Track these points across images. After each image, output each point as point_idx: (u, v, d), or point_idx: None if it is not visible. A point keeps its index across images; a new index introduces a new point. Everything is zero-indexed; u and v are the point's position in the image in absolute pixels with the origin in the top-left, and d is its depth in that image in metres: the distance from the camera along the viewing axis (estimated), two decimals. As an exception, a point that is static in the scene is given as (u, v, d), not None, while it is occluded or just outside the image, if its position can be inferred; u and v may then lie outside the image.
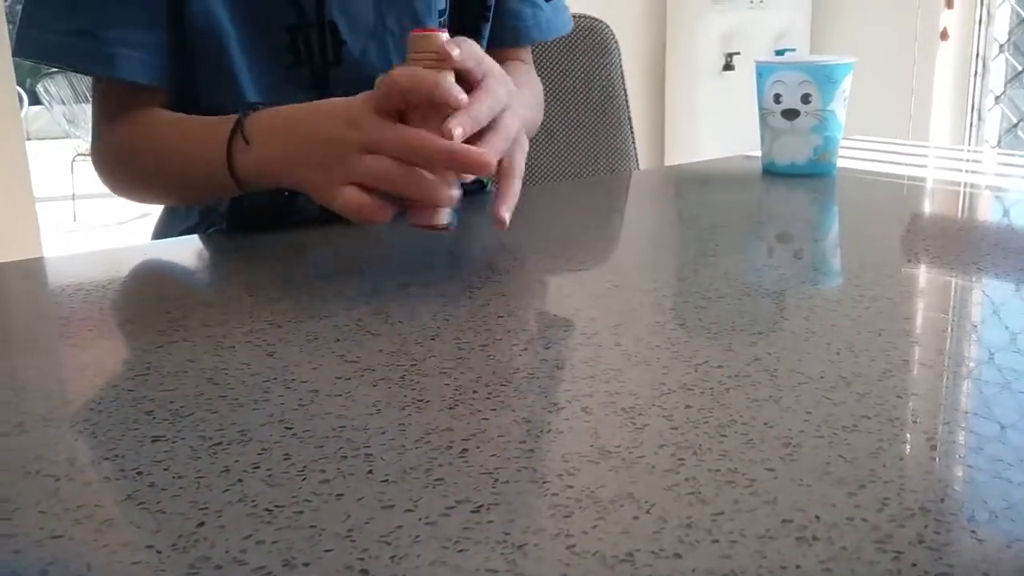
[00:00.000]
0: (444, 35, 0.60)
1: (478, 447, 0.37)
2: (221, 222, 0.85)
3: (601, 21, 1.21)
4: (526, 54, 0.98)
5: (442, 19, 0.87)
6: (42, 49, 0.77)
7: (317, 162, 0.61)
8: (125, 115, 0.78)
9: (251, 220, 0.82)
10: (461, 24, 0.89)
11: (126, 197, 0.84)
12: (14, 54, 0.79)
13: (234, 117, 0.68)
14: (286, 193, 0.80)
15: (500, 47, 0.92)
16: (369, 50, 0.82)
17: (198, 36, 0.77)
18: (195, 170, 0.73)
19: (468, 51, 0.60)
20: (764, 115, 0.96)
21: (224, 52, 0.77)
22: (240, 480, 0.34)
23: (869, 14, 3.06)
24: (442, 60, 0.59)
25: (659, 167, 1.74)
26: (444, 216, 0.60)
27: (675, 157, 3.18)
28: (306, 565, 0.29)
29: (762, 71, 0.96)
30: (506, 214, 0.61)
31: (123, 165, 0.81)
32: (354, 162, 0.59)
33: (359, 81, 0.80)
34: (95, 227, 4.93)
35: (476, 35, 0.90)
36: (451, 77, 0.59)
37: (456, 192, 0.59)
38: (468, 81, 0.60)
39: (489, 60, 0.63)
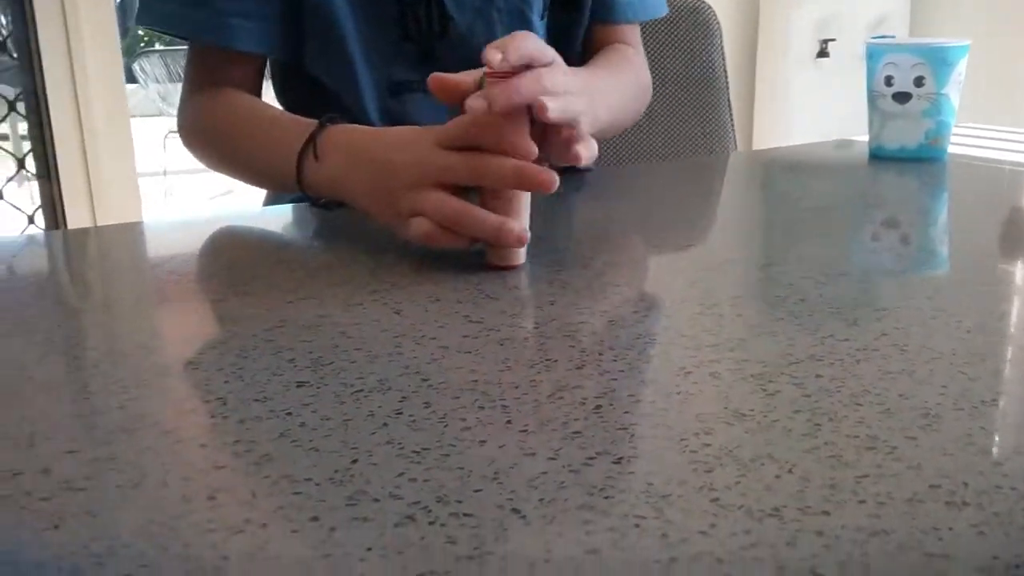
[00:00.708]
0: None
1: (611, 404, 0.37)
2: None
3: (703, 1, 1.20)
4: (632, 36, 0.97)
5: None
6: (162, 18, 0.81)
7: (384, 191, 0.60)
8: (215, 89, 0.80)
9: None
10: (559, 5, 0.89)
11: (204, 164, 0.87)
12: (136, 22, 0.82)
13: (311, 126, 0.68)
14: None
15: (600, 22, 0.92)
16: (476, 26, 0.83)
17: (311, 5, 0.79)
18: (266, 169, 0.75)
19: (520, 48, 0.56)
20: (873, 98, 0.94)
21: (335, 23, 0.79)
22: (385, 424, 0.36)
23: (972, 1, 2.95)
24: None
25: (759, 149, 1.71)
26: (518, 256, 0.58)
27: (765, 143, 3.13)
28: (459, 502, 0.30)
29: (873, 52, 0.94)
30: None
31: (202, 140, 0.83)
32: (420, 195, 0.57)
33: (465, 58, 0.81)
34: (186, 202, 5.08)
35: (577, 10, 0.90)
36: (523, 120, 0.56)
37: (522, 231, 0.57)
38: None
39: (553, 53, 0.59)
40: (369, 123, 0.82)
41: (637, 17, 0.95)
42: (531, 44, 0.56)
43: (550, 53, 0.59)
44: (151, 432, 0.36)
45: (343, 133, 0.67)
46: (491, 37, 0.83)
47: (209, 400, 0.39)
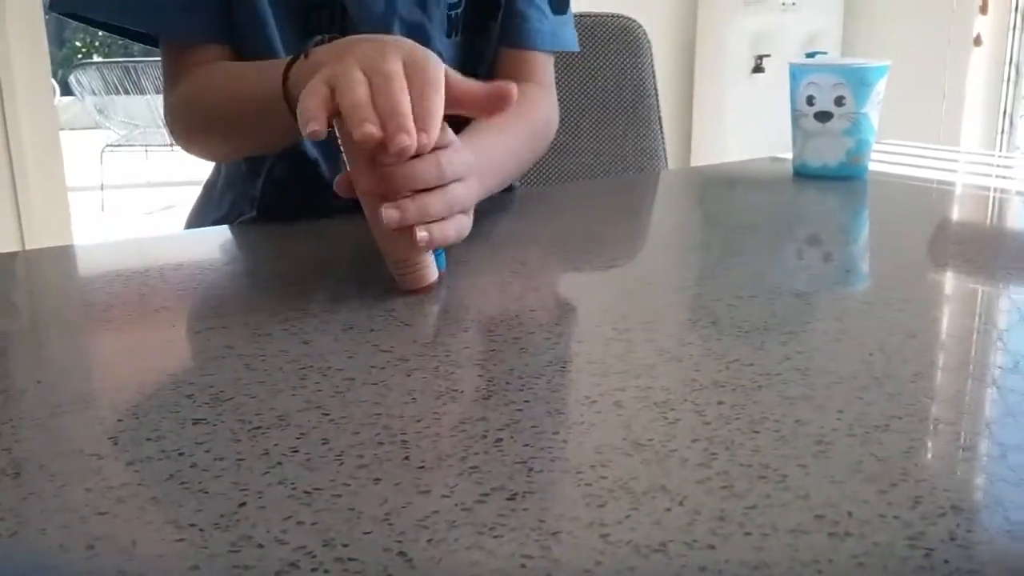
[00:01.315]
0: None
1: (512, 437, 0.37)
2: (251, 209, 0.86)
3: (634, 20, 1.21)
4: (543, 69, 0.94)
5: (455, 11, 0.87)
6: (106, 9, 0.77)
7: (338, 54, 0.57)
8: (188, 72, 0.79)
9: (281, 201, 0.83)
10: (472, 18, 0.89)
11: (195, 153, 0.83)
12: (51, 8, 0.79)
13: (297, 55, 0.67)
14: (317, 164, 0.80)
15: (509, 47, 0.91)
16: (376, 31, 0.82)
17: (240, 7, 0.78)
18: (252, 93, 0.71)
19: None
20: (796, 117, 0.96)
21: (263, 25, 0.79)
22: (279, 463, 0.35)
23: (902, 18, 3.04)
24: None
25: (688, 167, 1.73)
26: (427, 278, 0.57)
27: (702, 159, 3.17)
28: (345, 546, 0.29)
29: (796, 73, 0.96)
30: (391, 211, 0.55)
31: (186, 116, 0.80)
32: (341, 68, 0.55)
33: None
34: (123, 217, 4.98)
35: (483, 31, 0.90)
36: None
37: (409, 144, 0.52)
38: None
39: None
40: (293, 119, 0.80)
41: (546, 46, 0.93)
42: (437, 110, 0.55)
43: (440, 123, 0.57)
44: (36, 477, 0.35)
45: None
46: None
47: (100, 440, 0.38)
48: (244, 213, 0.87)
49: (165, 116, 0.83)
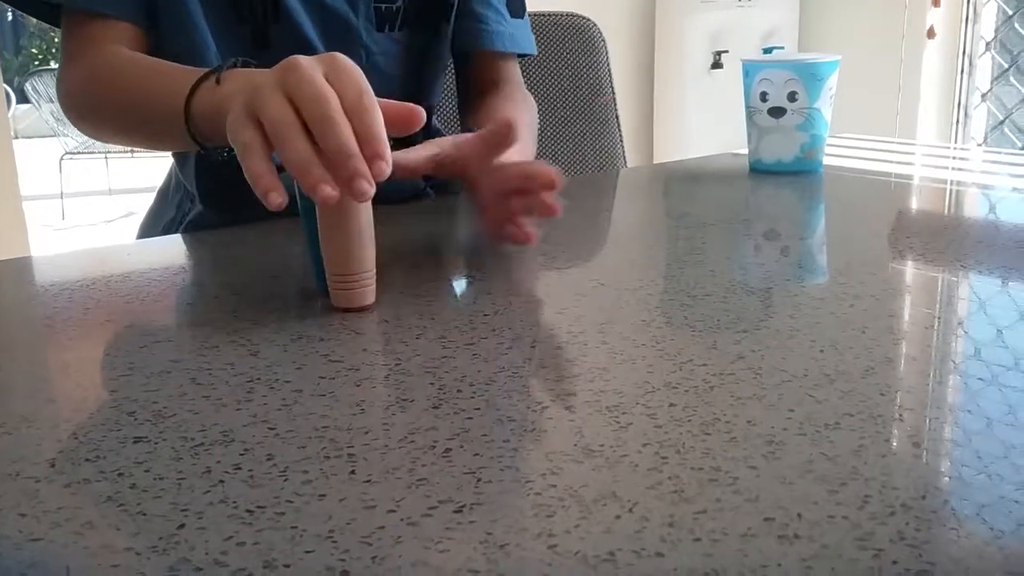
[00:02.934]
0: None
1: (462, 447, 0.36)
2: (193, 205, 0.85)
3: (588, 19, 1.21)
4: (514, 70, 0.96)
5: (385, 5, 0.86)
6: None
7: (255, 89, 0.52)
8: (89, 50, 0.76)
9: (226, 199, 0.82)
10: (415, 15, 0.88)
11: (86, 133, 0.81)
12: None
13: (208, 68, 0.65)
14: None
15: (465, 50, 0.92)
16: (309, 8, 0.81)
17: None
18: (151, 104, 0.69)
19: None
20: (751, 113, 0.97)
21: (184, 5, 0.77)
22: (222, 481, 0.34)
23: (856, 12, 3.07)
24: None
25: (646, 165, 1.73)
26: (364, 297, 0.54)
27: (663, 155, 3.19)
28: (287, 566, 0.29)
29: (748, 69, 0.96)
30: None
31: (84, 96, 0.77)
32: (266, 97, 0.50)
33: (298, 41, 0.80)
34: (83, 225, 4.90)
35: (435, 34, 0.90)
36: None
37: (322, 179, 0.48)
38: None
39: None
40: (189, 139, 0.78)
41: (505, 48, 0.94)
42: (381, 127, 0.51)
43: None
44: (-32, 502, 0.33)
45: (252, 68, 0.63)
46: (324, 21, 0.81)
47: (37, 462, 0.36)
48: (189, 211, 0.86)
49: (58, 90, 0.79)
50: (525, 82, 0.98)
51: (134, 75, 0.73)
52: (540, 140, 1.20)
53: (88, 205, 5.34)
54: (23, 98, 6.04)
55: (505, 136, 0.63)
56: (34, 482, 0.35)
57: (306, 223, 0.55)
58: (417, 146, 0.66)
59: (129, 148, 5.32)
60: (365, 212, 0.53)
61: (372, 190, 0.48)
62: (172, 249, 0.76)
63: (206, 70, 0.64)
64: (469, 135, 0.67)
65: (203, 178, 0.83)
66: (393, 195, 0.85)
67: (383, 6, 0.86)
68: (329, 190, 0.48)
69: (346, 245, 0.52)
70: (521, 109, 0.89)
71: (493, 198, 0.65)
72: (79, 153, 5.46)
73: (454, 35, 0.91)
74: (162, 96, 0.67)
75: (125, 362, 0.47)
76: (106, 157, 5.56)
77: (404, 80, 0.89)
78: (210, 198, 0.84)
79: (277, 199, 0.48)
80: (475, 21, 0.92)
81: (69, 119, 0.80)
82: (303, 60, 0.51)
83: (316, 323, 0.52)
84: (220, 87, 0.62)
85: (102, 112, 0.76)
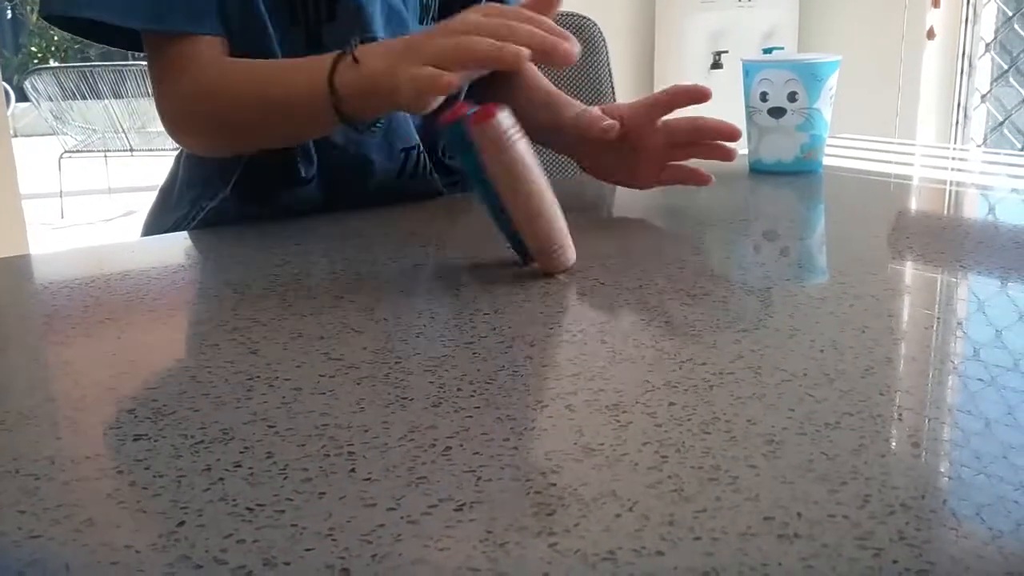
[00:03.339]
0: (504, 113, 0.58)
1: (461, 445, 0.36)
2: (208, 203, 0.85)
3: (589, 19, 1.21)
4: None
5: None
6: (102, 8, 0.73)
7: (401, 54, 0.63)
8: (189, 67, 0.76)
9: (257, 188, 0.83)
10: (451, 7, 0.89)
11: (200, 149, 0.82)
12: (44, 10, 0.76)
13: (330, 55, 0.69)
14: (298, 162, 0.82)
15: None
16: (364, 7, 0.82)
17: None
18: (288, 96, 0.71)
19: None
20: (750, 113, 0.97)
21: (254, 6, 0.78)
22: (221, 479, 0.34)
23: (856, 13, 3.07)
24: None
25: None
26: (572, 256, 0.62)
27: (664, 155, 3.18)
28: (287, 564, 0.29)
29: (749, 69, 0.96)
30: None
31: (196, 113, 0.78)
32: (434, 43, 0.61)
33: (350, 40, 0.81)
34: (82, 224, 4.90)
35: None
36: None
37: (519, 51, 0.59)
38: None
39: None
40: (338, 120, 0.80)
41: None
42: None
43: None
44: (-33, 499, 0.33)
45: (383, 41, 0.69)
46: (374, 24, 0.83)
47: (36, 459, 0.36)
48: (203, 209, 0.86)
49: (163, 113, 0.79)
50: None
51: (250, 78, 0.74)
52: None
53: (87, 204, 5.34)
54: (22, 96, 6.04)
55: (701, 95, 0.79)
56: (33, 479, 0.35)
57: (491, 213, 0.61)
58: (594, 112, 0.81)
59: (130, 148, 5.33)
60: (550, 192, 0.60)
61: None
62: (172, 247, 0.76)
63: (329, 55, 0.68)
64: (640, 103, 0.82)
65: (228, 170, 0.84)
66: (408, 195, 0.86)
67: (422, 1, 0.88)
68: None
69: (547, 223, 0.60)
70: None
71: (660, 150, 0.81)
72: (78, 152, 5.46)
73: None
74: (294, 87, 0.70)
75: (124, 360, 0.47)
76: (105, 156, 5.56)
77: None
78: (239, 187, 0.84)
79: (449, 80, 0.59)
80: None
81: (178, 139, 0.81)
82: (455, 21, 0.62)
83: (316, 321, 0.52)
84: (362, 65, 0.66)
85: (222, 121, 0.77)
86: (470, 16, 0.62)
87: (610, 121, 0.79)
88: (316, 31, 0.81)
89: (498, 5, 0.63)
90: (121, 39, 0.80)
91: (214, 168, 0.85)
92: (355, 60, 0.66)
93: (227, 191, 0.84)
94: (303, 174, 0.83)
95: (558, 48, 0.60)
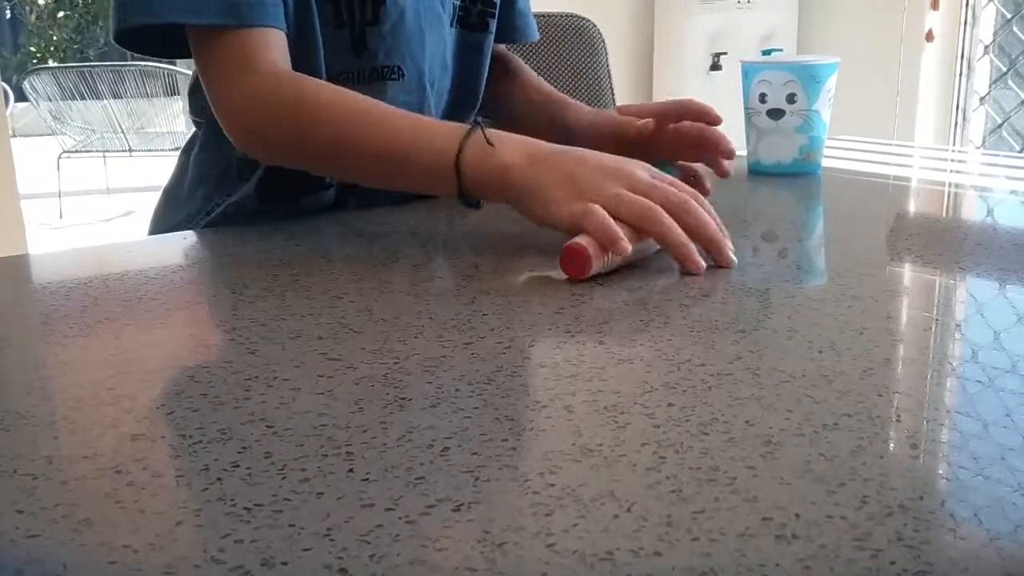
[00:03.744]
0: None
1: (460, 446, 0.36)
2: (225, 198, 0.85)
3: (588, 20, 1.21)
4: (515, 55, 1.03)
5: (455, 2, 0.90)
6: (181, 10, 0.72)
7: (566, 181, 0.63)
8: (255, 66, 0.73)
9: (279, 189, 0.84)
10: (468, 12, 0.91)
11: (263, 156, 0.79)
12: (118, 33, 0.74)
13: (455, 126, 0.69)
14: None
15: (512, 43, 1.00)
16: (407, 12, 0.82)
17: None
18: (405, 156, 0.70)
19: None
20: (749, 115, 0.97)
21: (307, 11, 0.78)
22: (219, 479, 0.34)
23: (855, 15, 3.07)
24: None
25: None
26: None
27: (663, 156, 3.18)
28: (284, 564, 0.29)
29: (748, 71, 0.96)
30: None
31: (268, 124, 0.74)
32: (608, 190, 0.62)
33: (395, 48, 0.82)
34: (81, 224, 4.90)
35: (484, 29, 0.92)
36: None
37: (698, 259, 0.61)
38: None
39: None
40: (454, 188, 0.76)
41: (523, 39, 1.01)
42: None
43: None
44: (-35, 499, 0.33)
45: (506, 133, 0.68)
46: (418, 29, 0.84)
47: (34, 458, 0.36)
48: (219, 205, 0.86)
49: (221, 112, 0.75)
50: None
51: (356, 120, 0.71)
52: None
53: (86, 204, 5.34)
54: (21, 96, 6.04)
55: (712, 118, 0.85)
56: (31, 479, 0.35)
57: None
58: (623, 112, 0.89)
59: (128, 148, 5.33)
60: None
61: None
62: (170, 248, 0.76)
63: (461, 126, 0.68)
64: (655, 107, 0.89)
65: (248, 168, 0.84)
66: (417, 195, 0.86)
67: (453, 4, 0.89)
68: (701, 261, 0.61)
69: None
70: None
71: (669, 153, 0.85)
72: (77, 152, 5.45)
73: (500, 30, 0.96)
74: (416, 145, 0.69)
75: (122, 360, 0.47)
76: (104, 156, 5.55)
77: (456, 73, 0.93)
78: (260, 187, 0.84)
79: (625, 246, 0.60)
80: (519, 17, 0.99)
81: (239, 142, 0.76)
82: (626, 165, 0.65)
83: (314, 322, 0.52)
84: (494, 151, 0.66)
85: (308, 150, 0.74)
86: (641, 175, 0.63)
87: (645, 120, 0.86)
88: (361, 33, 0.81)
89: (660, 174, 0.65)
90: (156, 47, 0.79)
91: (231, 166, 0.85)
92: (489, 143, 0.66)
93: (251, 188, 0.84)
94: (328, 180, 0.84)
95: (723, 252, 0.62)
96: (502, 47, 1.02)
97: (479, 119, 0.71)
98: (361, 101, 0.72)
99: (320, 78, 0.79)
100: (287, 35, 0.76)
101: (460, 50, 0.93)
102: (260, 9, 0.73)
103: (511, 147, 0.66)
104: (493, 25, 0.94)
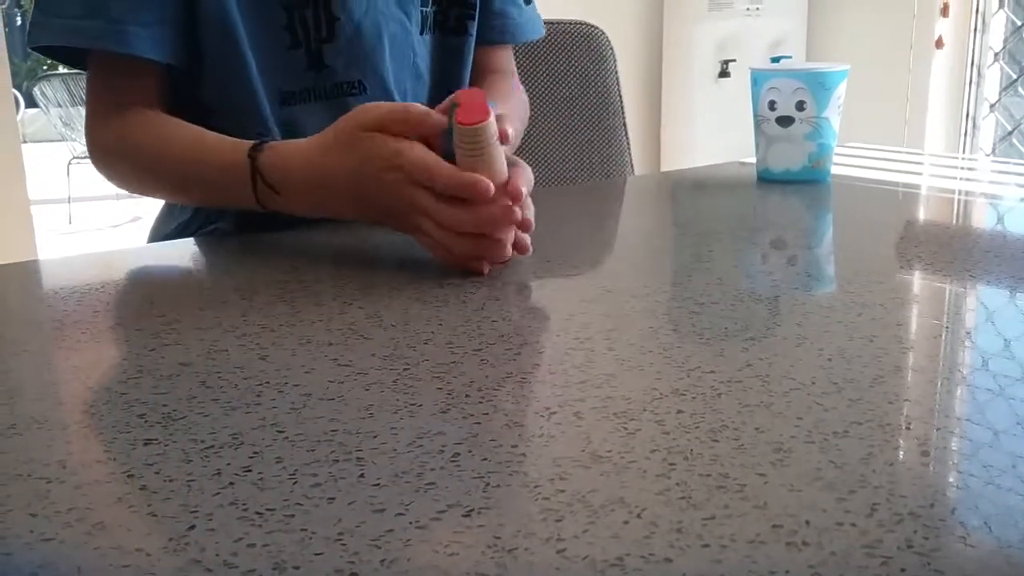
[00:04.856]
0: (491, 120, 0.60)
1: (470, 451, 0.37)
2: (218, 218, 0.85)
3: (597, 27, 1.21)
4: (509, 61, 1.00)
5: (425, 8, 0.88)
6: (54, 33, 0.77)
7: (385, 213, 0.65)
8: (123, 108, 0.78)
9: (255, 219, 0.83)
10: (446, 16, 0.90)
11: (121, 188, 0.85)
12: (29, 44, 0.79)
13: (245, 148, 0.70)
14: None
15: (488, 45, 0.95)
16: (363, 26, 0.82)
17: (206, 15, 0.77)
18: (217, 195, 0.75)
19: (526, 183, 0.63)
20: (759, 122, 0.97)
21: (230, 33, 0.78)
22: (231, 483, 0.34)
23: (865, 22, 3.07)
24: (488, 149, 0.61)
25: (654, 173, 1.73)
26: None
27: (671, 163, 3.19)
28: (296, 568, 0.29)
29: (757, 78, 0.96)
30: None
31: (124, 162, 0.81)
32: (419, 203, 0.62)
33: (352, 63, 0.82)
34: (90, 230, 4.92)
35: (463, 33, 0.91)
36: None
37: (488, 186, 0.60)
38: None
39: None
40: (268, 133, 0.81)
41: (526, 38, 0.98)
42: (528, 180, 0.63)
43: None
44: (-21, 502, 0.34)
45: (290, 160, 0.69)
46: (377, 41, 0.83)
47: (48, 463, 0.37)
48: (211, 220, 0.86)
49: (90, 145, 0.81)
50: (533, 89, 1.02)
51: (185, 156, 0.76)
52: (547, 146, 1.20)
53: (95, 209, 5.36)
54: (31, 102, 6.07)
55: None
56: (45, 483, 0.35)
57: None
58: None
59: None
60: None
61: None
62: (181, 254, 0.76)
63: (246, 161, 0.70)
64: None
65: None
66: None
67: (423, 10, 0.88)
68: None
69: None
70: (514, 106, 0.94)
71: None
72: (86, 157, 5.48)
73: (479, 31, 0.94)
74: (227, 191, 0.73)
75: (134, 365, 0.47)
76: (114, 162, 5.56)
77: (437, 80, 0.92)
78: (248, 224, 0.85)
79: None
80: (499, 18, 0.95)
81: (98, 168, 0.83)
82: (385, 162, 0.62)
83: (324, 328, 0.52)
84: (282, 197, 0.70)
85: (147, 183, 0.81)
86: (422, 200, 0.62)
87: None
88: (318, 51, 0.82)
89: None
90: (71, 56, 0.82)
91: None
92: (277, 192, 0.69)
93: (227, 223, 0.84)
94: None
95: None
96: (511, 68, 1.00)
97: (256, 146, 0.71)
98: (171, 142, 0.77)
99: (260, 101, 0.81)
100: (208, 62, 0.79)
101: (436, 57, 0.91)
102: (124, 38, 0.75)
103: (298, 190, 0.69)
104: (473, 27, 0.92)
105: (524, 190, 0.61)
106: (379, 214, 0.66)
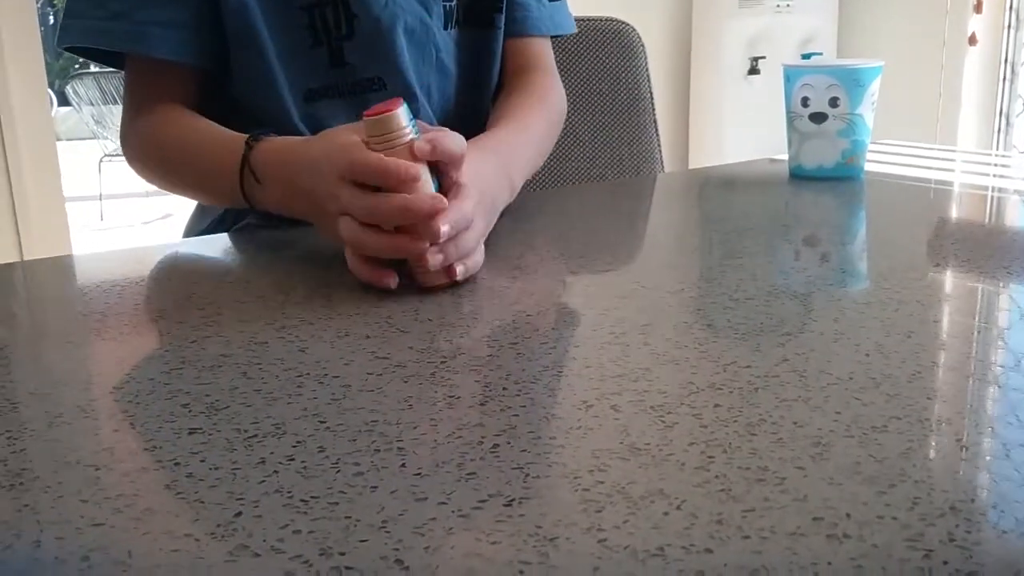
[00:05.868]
0: (401, 110, 0.58)
1: (509, 443, 0.37)
2: (248, 214, 0.87)
3: (628, 24, 1.21)
4: (540, 56, 0.97)
5: (448, 3, 0.88)
6: (80, 35, 0.79)
7: (315, 214, 0.65)
8: (153, 106, 0.81)
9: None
10: (472, 12, 0.90)
11: (152, 184, 0.87)
12: (58, 44, 0.81)
13: (242, 141, 0.72)
14: None
15: (509, 37, 0.94)
16: (380, 22, 0.83)
17: (229, 18, 0.79)
18: (216, 191, 0.78)
19: (443, 148, 0.59)
20: (791, 118, 0.96)
21: (254, 34, 0.79)
22: (276, 472, 0.35)
23: (897, 18, 3.04)
24: (404, 144, 0.58)
25: (684, 170, 1.73)
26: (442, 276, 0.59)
27: (699, 160, 3.18)
28: (342, 554, 0.29)
29: (790, 75, 0.96)
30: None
31: (149, 159, 0.83)
32: (342, 196, 0.59)
33: (373, 60, 0.82)
34: (122, 226, 4.98)
35: (490, 26, 0.91)
36: (424, 175, 0.58)
37: (439, 256, 0.58)
38: (443, 177, 0.61)
39: (464, 161, 0.61)
40: (294, 130, 0.82)
41: (547, 32, 0.97)
42: (451, 145, 0.59)
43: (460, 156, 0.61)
44: (32, 488, 0.35)
45: (274, 153, 0.70)
46: (395, 37, 0.83)
47: (96, 451, 0.37)
48: (243, 216, 0.87)
49: (123, 141, 0.85)
50: (565, 86, 0.99)
51: (190, 155, 0.79)
52: (579, 144, 1.20)
53: (126, 206, 5.43)
54: (64, 101, 6.16)
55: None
56: (94, 470, 0.36)
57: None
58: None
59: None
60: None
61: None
62: (217, 249, 0.77)
63: (240, 156, 0.71)
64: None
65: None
66: None
67: (446, 5, 0.88)
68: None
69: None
70: (535, 114, 0.89)
71: None
72: (118, 155, 5.54)
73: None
74: (220, 185, 0.75)
75: (177, 356, 0.48)
76: (145, 159, 5.62)
77: (465, 75, 0.92)
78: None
79: (389, 281, 0.59)
80: (518, 9, 0.94)
81: (130, 165, 0.86)
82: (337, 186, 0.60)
83: (362, 321, 0.53)
84: (263, 187, 0.70)
85: (167, 180, 0.84)
86: (368, 201, 0.58)
87: None
88: (338, 48, 0.82)
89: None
90: (110, 58, 0.84)
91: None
92: (258, 181, 0.70)
93: (256, 216, 0.86)
94: None
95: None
96: (543, 64, 0.97)
97: (254, 136, 0.71)
98: (185, 138, 0.79)
99: (286, 99, 0.82)
100: (236, 61, 0.81)
101: (463, 51, 0.90)
102: (147, 40, 0.77)
103: (273, 181, 0.69)
104: (500, 20, 0.91)
105: (455, 213, 0.57)
106: (309, 207, 0.65)
